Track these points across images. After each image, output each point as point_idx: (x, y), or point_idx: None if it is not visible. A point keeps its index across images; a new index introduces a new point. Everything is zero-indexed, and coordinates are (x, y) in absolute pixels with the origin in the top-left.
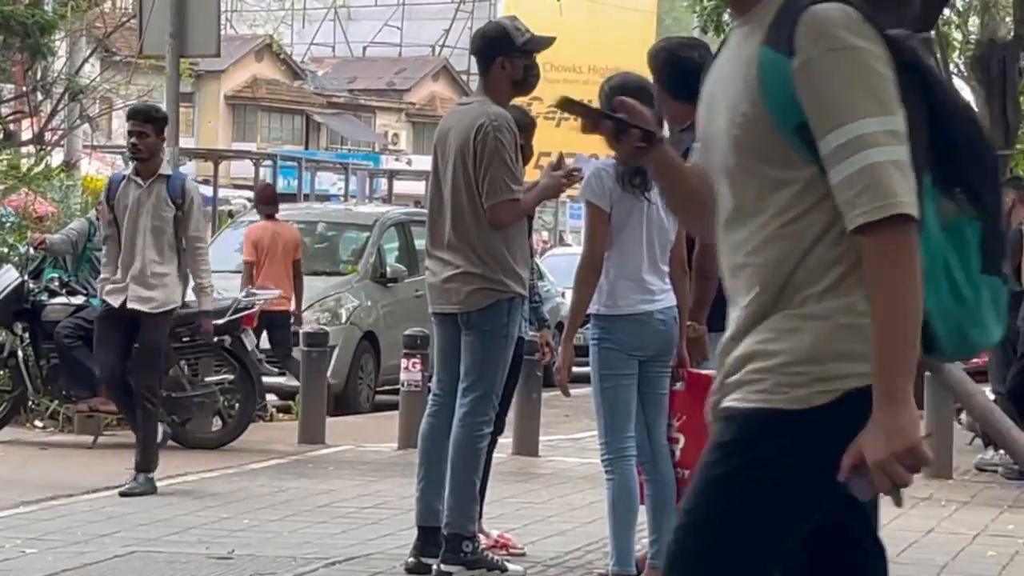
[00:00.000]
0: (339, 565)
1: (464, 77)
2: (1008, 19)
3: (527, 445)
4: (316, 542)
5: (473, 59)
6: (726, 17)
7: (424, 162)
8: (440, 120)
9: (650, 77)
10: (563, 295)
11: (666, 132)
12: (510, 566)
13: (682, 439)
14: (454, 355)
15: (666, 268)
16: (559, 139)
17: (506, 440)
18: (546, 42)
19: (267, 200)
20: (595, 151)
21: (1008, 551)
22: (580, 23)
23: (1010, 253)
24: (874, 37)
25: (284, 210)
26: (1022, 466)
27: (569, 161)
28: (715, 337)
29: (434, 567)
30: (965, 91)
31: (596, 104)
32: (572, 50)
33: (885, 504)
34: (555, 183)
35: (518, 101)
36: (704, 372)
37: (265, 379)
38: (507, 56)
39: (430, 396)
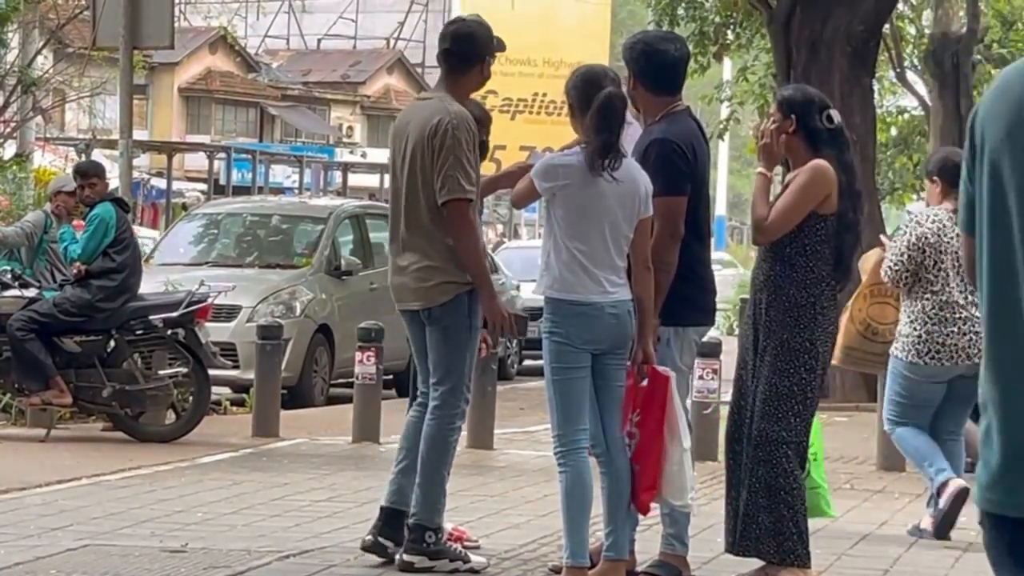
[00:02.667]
0: (293, 558)
1: (419, 70)
2: (961, 13)
3: (481, 438)
4: (270, 535)
5: (433, 53)
6: (680, 11)
7: (379, 155)
8: (398, 114)
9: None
10: (518, 288)
11: (638, 124)
12: (473, 557)
13: (637, 434)
14: (425, 352)
15: (621, 263)
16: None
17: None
18: (504, 46)
19: None
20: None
21: (962, 542)
22: (534, 15)
23: None
24: None
25: (238, 203)
26: (974, 459)
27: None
28: (675, 332)
29: (397, 557)
30: (919, 85)
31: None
32: (526, 43)
33: (839, 496)
34: (511, 172)
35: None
36: (658, 368)
37: (219, 372)
38: (487, 59)
39: (418, 392)
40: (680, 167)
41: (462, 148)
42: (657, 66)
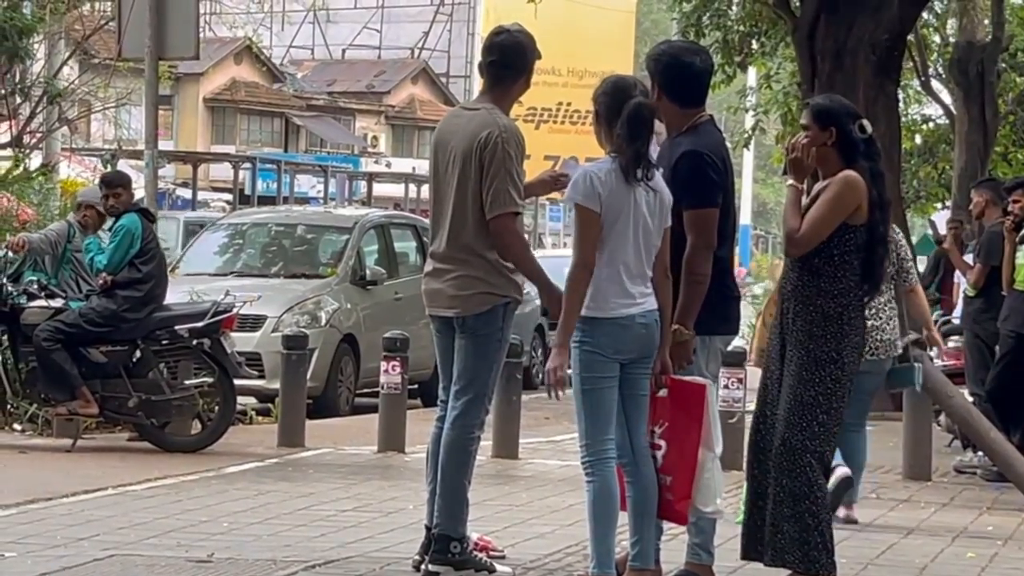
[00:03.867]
0: (319, 568)
1: (443, 80)
2: (986, 21)
3: (507, 447)
4: (296, 545)
5: (456, 63)
6: (705, 20)
7: (403, 165)
8: (438, 124)
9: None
10: None
11: (663, 135)
12: (498, 567)
13: (664, 445)
14: (452, 360)
15: (649, 272)
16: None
17: (486, 442)
18: (540, 54)
19: None
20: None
21: (987, 552)
22: (558, 25)
23: (985, 256)
24: None
25: (264, 213)
26: (1001, 468)
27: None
28: (701, 340)
29: (423, 567)
30: (944, 94)
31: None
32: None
33: (865, 506)
34: (544, 180)
35: None
36: (687, 379)
37: (244, 382)
38: (531, 68)
39: (439, 401)
40: (713, 178)
41: (512, 162)
42: (682, 78)
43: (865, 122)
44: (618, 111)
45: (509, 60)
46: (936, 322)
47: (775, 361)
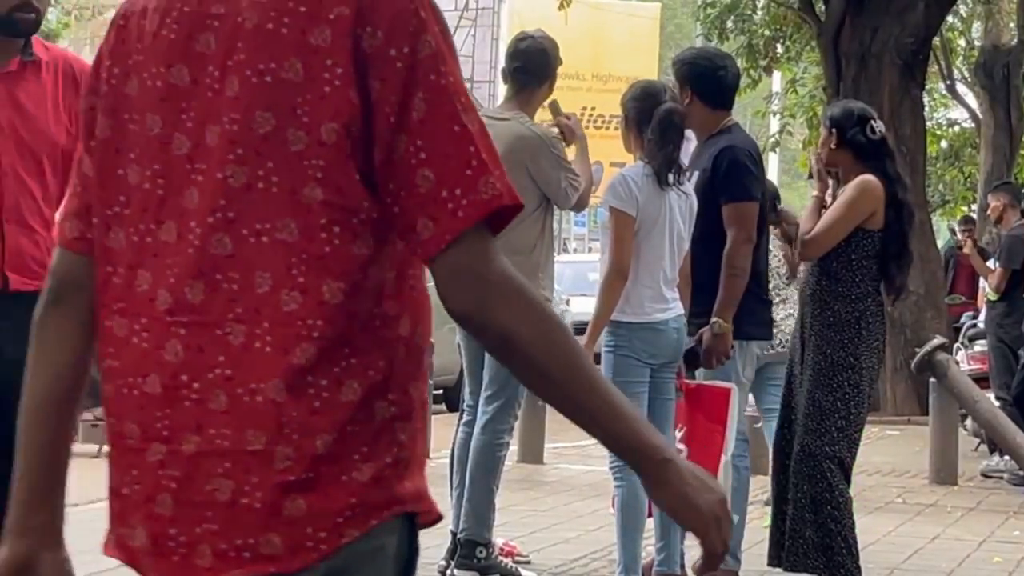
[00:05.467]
0: None
1: (467, 85)
2: (1012, 25)
3: (532, 452)
4: None
5: (480, 68)
6: (729, 24)
7: None
8: None
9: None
10: (567, 303)
11: (694, 140)
12: (523, 572)
13: (685, 450)
14: (482, 365)
15: (676, 277)
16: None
17: (511, 447)
18: (561, 59)
19: None
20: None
21: (1014, 557)
22: (584, 30)
23: (1005, 260)
24: None
25: None
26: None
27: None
28: (740, 345)
29: (448, 572)
30: (969, 97)
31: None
32: (575, 57)
33: (891, 511)
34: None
35: None
36: (712, 384)
37: None
38: (555, 74)
39: (464, 405)
40: (753, 172)
41: (560, 155)
42: (718, 82)
43: (876, 124)
44: (648, 116)
45: (533, 66)
46: (964, 325)
47: (797, 365)
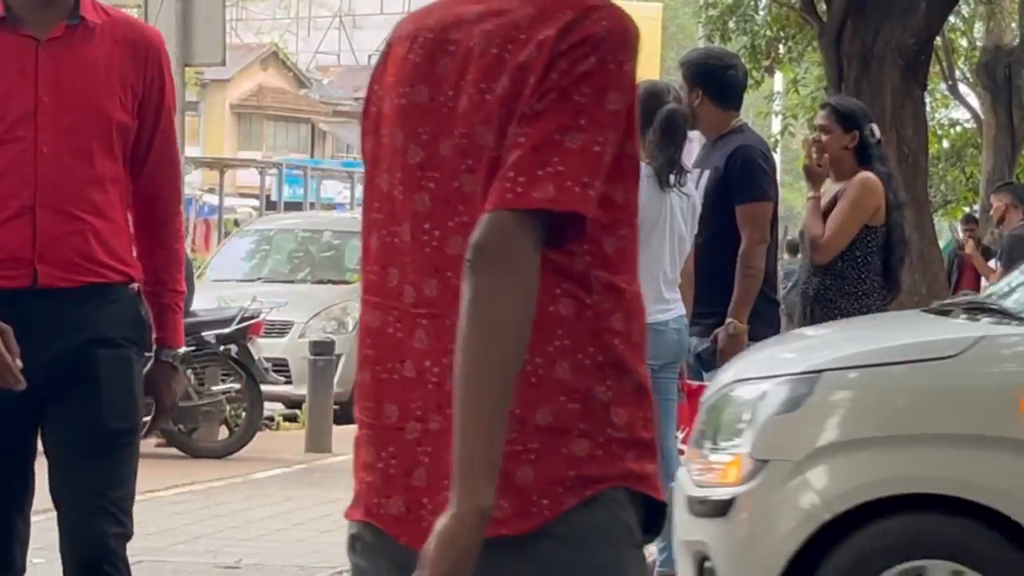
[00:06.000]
0: (346, 574)
1: None
2: (1013, 25)
3: None
4: (324, 551)
5: None
6: (732, 24)
7: None
8: None
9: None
10: None
11: (697, 141)
12: None
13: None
14: None
15: (678, 278)
16: None
17: None
18: None
19: None
20: None
21: None
22: None
23: (1007, 259)
24: None
25: (290, 218)
26: None
27: None
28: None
29: None
30: (971, 98)
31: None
32: None
33: None
34: None
35: None
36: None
37: (271, 388)
38: None
39: None
40: (767, 171)
41: None
42: (728, 81)
43: (874, 125)
44: (650, 117)
45: None
46: None
47: None
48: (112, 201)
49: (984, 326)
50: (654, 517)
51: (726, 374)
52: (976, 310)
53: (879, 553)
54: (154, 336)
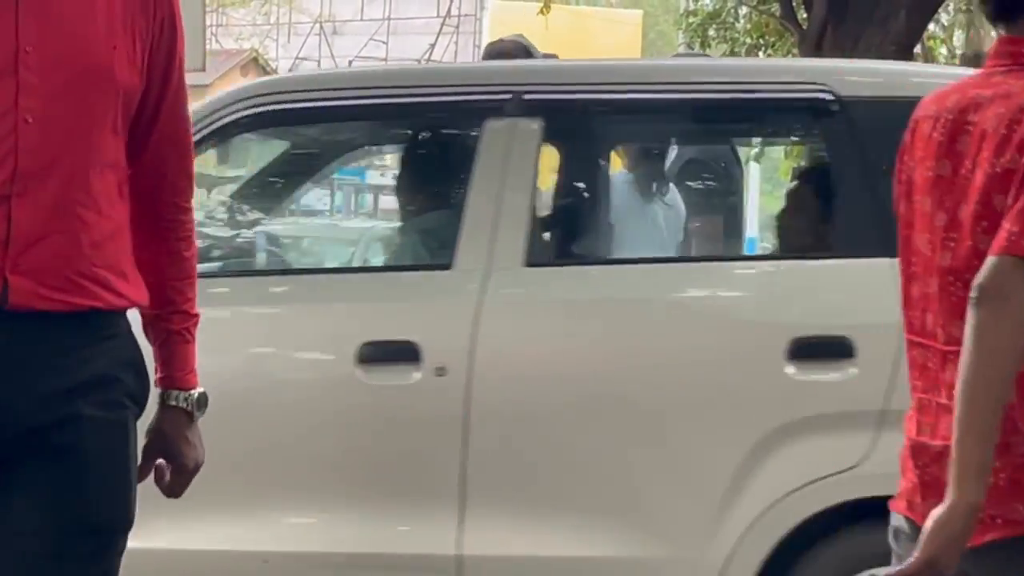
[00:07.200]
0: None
1: None
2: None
3: None
4: None
5: None
6: (712, 32)
7: None
8: None
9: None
10: None
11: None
12: None
13: None
14: None
15: None
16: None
17: None
18: None
19: None
20: None
21: None
22: (565, 36)
23: None
24: None
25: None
26: None
27: None
28: None
29: None
30: None
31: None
32: None
33: None
34: None
35: None
36: None
37: None
38: None
39: None
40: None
41: None
42: None
43: None
44: None
45: None
46: None
47: None
48: (110, 192)
49: None
50: None
51: None
52: None
53: None
54: (158, 375)
